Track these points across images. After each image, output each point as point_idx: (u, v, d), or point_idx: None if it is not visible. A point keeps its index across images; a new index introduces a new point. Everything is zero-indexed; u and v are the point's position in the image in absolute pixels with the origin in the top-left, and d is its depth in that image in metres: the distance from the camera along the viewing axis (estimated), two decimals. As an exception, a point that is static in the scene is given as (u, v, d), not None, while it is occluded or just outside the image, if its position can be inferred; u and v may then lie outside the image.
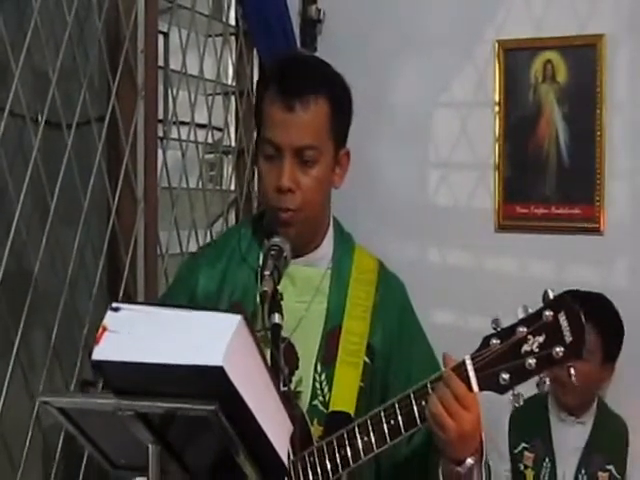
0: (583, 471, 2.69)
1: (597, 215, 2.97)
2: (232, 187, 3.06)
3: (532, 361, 1.51)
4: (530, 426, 2.79)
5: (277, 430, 1.29)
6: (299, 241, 1.73)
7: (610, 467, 2.67)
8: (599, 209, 2.97)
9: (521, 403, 1.56)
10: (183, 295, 1.79)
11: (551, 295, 1.53)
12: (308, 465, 1.66)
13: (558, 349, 1.50)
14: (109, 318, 1.22)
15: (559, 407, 2.77)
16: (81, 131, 2.32)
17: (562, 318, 1.52)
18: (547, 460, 2.73)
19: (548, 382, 1.50)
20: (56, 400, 1.28)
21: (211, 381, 1.15)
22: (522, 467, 2.75)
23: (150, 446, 1.24)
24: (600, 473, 2.68)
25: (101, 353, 1.19)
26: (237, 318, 1.19)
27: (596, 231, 2.96)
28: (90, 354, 1.36)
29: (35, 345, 2.25)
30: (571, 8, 3.00)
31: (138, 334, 1.22)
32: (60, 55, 2.21)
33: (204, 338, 1.18)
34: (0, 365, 2.07)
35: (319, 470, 1.65)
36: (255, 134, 1.94)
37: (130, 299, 2.47)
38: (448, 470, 1.63)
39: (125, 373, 1.20)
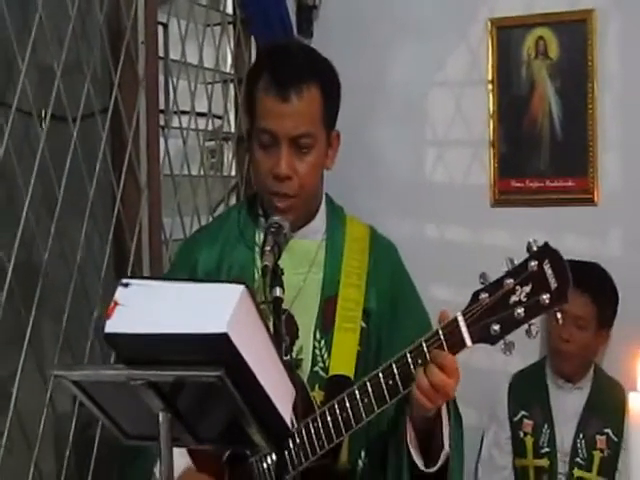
0: (581, 435, 2.76)
1: (591, 187, 2.99)
2: (233, 173, 3.07)
3: (521, 310, 1.55)
4: (528, 394, 2.85)
5: (281, 395, 1.32)
6: (296, 220, 1.78)
7: (608, 430, 2.73)
8: (593, 181, 2.99)
9: (512, 352, 1.60)
10: (183, 274, 1.82)
11: (535, 246, 1.56)
12: (312, 430, 1.69)
13: (545, 296, 1.54)
14: (119, 293, 1.26)
15: (556, 374, 2.85)
16: (85, 123, 2.31)
17: (547, 266, 1.55)
18: (546, 426, 2.79)
19: (536, 329, 1.57)
20: (70, 374, 1.32)
21: (217, 348, 1.18)
22: (522, 434, 2.81)
23: (160, 414, 1.27)
24: (598, 437, 2.74)
25: (113, 326, 1.23)
26: (240, 287, 1.22)
27: (590, 202, 2.99)
28: (100, 335, 1.42)
29: (46, 331, 2.25)
30: None
31: (147, 307, 1.25)
32: (64, 49, 2.20)
33: (209, 308, 1.21)
34: (14, 350, 2.05)
35: (323, 434, 1.69)
36: (247, 122, 1.98)
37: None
38: (417, 413, 1.67)
39: (136, 344, 1.23)
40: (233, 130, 3.07)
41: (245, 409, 1.24)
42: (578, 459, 2.74)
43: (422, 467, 1.71)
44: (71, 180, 2.23)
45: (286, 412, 1.34)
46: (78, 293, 2.28)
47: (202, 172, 2.91)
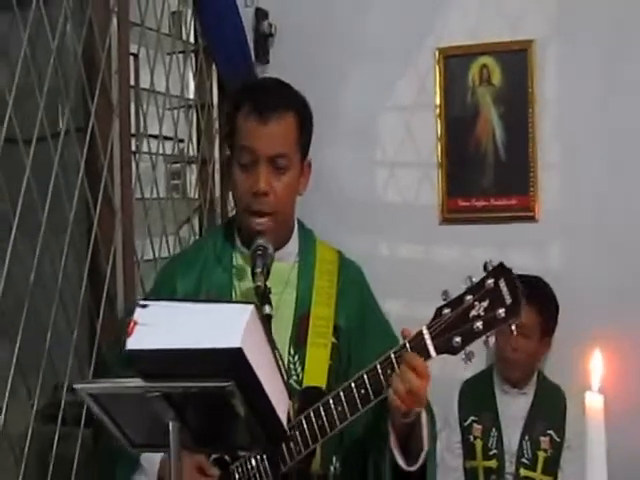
0: (527, 437, 2.79)
1: (532, 204, 3.04)
2: (196, 195, 3.07)
3: (479, 323, 1.63)
4: (477, 400, 2.88)
5: (280, 403, 1.37)
6: (273, 243, 1.84)
7: (551, 432, 2.78)
8: (534, 199, 3.04)
9: (472, 361, 1.67)
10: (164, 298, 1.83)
11: (490, 266, 1.64)
12: (290, 437, 1.73)
13: (500, 310, 1.62)
14: (138, 313, 1.31)
15: (503, 381, 2.89)
16: (62, 147, 2.31)
17: (502, 284, 1.62)
18: (494, 430, 2.81)
19: (493, 339, 1.67)
20: (90, 387, 1.38)
21: (229, 361, 1.24)
22: (472, 438, 2.83)
23: (170, 423, 1.32)
24: (542, 438, 2.79)
25: (134, 343, 1.28)
26: (250, 307, 1.29)
27: (531, 219, 3.04)
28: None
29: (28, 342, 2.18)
30: (503, 16, 3.06)
31: (164, 325, 1.30)
32: (47, 79, 2.22)
33: (222, 325, 1.27)
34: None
35: (300, 440, 1.74)
36: (224, 149, 2.06)
37: (111, 303, 2.48)
38: (396, 421, 1.73)
39: (155, 359, 1.28)
40: (196, 154, 3.07)
41: (250, 416, 1.30)
42: (524, 459, 2.78)
43: (404, 466, 1.76)
44: (51, 201, 2.24)
45: (284, 418, 1.40)
46: (58, 310, 2.26)
47: (167, 195, 2.91)
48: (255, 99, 1.88)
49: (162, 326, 1.31)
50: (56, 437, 2.25)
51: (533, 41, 3.03)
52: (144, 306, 1.33)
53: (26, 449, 2.15)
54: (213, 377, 1.25)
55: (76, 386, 1.38)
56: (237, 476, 1.81)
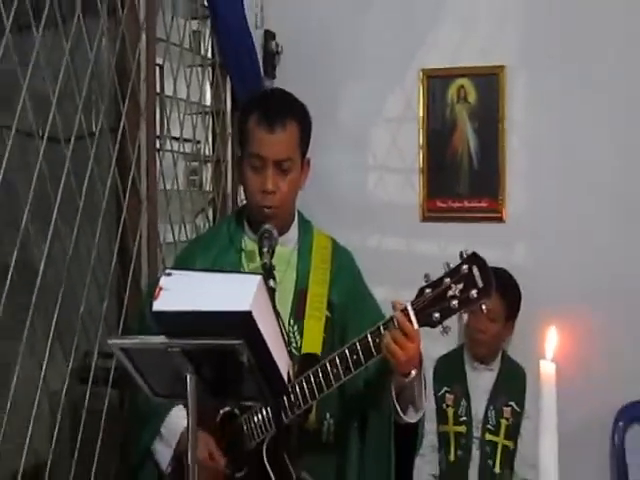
0: (491, 407, 2.80)
1: (500, 207, 3.06)
2: (210, 189, 3.06)
3: (455, 302, 1.65)
4: (450, 374, 2.87)
5: (282, 361, 1.38)
6: (277, 229, 1.84)
7: (512, 403, 2.79)
8: (501, 203, 3.06)
9: (449, 334, 1.69)
10: None
11: (465, 255, 1.66)
12: (292, 394, 1.76)
13: (473, 292, 1.64)
14: (163, 280, 1.31)
15: (472, 358, 2.87)
16: (97, 145, 2.33)
17: (475, 270, 1.64)
18: (464, 400, 2.82)
19: (466, 316, 1.69)
20: (122, 342, 1.39)
21: (240, 322, 1.25)
22: (444, 406, 2.83)
23: (188, 376, 1.32)
24: (505, 408, 2.80)
25: (159, 305, 1.29)
26: (258, 277, 1.31)
27: (499, 220, 3.06)
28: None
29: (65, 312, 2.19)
30: (478, 44, 3.07)
31: (185, 291, 1.31)
32: (85, 86, 2.22)
33: (234, 291, 1.28)
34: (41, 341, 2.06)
35: (300, 397, 1.76)
36: (236, 149, 2.00)
37: (137, 279, 2.48)
38: (398, 382, 1.76)
39: (176, 319, 1.29)
40: (210, 153, 3.07)
41: (257, 371, 1.31)
42: (489, 426, 2.80)
43: (406, 419, 1.81)
44: (86, 193, 2.24)
45: (285, 375, 1.40)
46: (91, 286, 2.27)
47: (186, 188, 2.91)
48: (263, 109, 1.89)
49: (183, 291, 1.31)
50: (87, 395, 2.24)
51: (503, 67, 3.04)
52: (169, 274, 1.33)
53: (61, 403, 2.15)
54: (226, 336, 1.26)
55: (110, 341, 1.38)
56: (245, 427, 1.83)
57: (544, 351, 1.44)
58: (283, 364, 1.40)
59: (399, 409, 1.80)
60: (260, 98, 2.01)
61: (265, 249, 1.75)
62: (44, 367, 2.07)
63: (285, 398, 1.75)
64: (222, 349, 1.29)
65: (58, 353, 2.19)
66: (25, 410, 2.02)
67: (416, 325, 1.68)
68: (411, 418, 1.83)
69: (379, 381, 1.84)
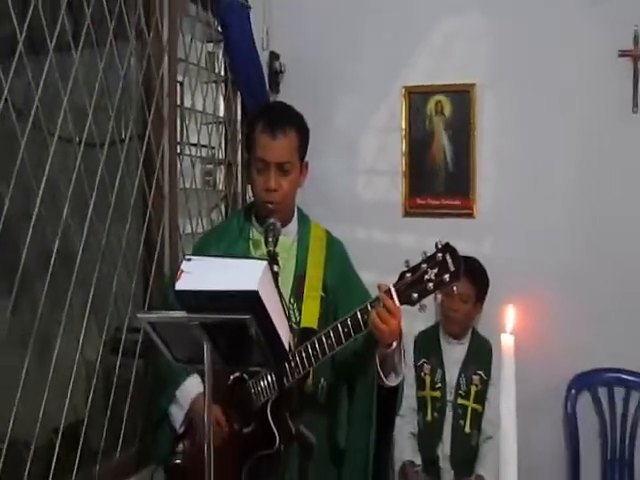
0: (463, 375, 2.82)
1: (471, 205, 3.06)
2: (223, 188, 3.05)
3: (431, 284, 1.67)
4: (427, 347, 2.89)
5: (284, 334, 1.40)
6: (279, 222, 1.86)
7: (480, 372, 2.81)
8: (472, 201, 3.06)
9: (426, 312, 1.72)
10: None
11: (440, 244, 1.68)
12: (292, 362, 1.77)
13: (446, 275, 1.66)
14: (184, 264, 1.33)
15: (446, 334, 2.88)
16: (126, 149, 2.32)
17: (448, 257, 1.67)
18: (439, 369, 2.84)
19: (440, 297, 1.69)
20: (149, 316, 1.42)
21: (249, 300, 1.27)
22: (422, 374, 2.85)
23: (205, 344, 1.35)
24: (474, 376, 2.81)
25: (180, 285, 1.32)
26: (264, 262, 1.34)
27: (470, 216, 3.06)
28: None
29: (99, 293, 2.20)
30: (453, 65, 3.06)
31: (202, 273, 1.33)
32: (116, 99, 2.22)
33: (244, 273, 1.30)
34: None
35: (299, 364, 1.77)
36: (245, 154, 2.04)
37: (160, 264, 2.46)
38: (381, 352, 1.79)
39: (195, 297, 1.30)
40: (223, 157, 3.05)
41: (263, 341, 1.33)
42: (460, 391, 2.81)
43: (388, 382, 1.83)
44: (117, 189, 2.25)
45: (287, 344, 1.42)
46: (122, 271, 2.27)
47: (202, 187, 2.90)
48: (266, 119, 1.90)
49: (201, 274, 1.33)
50: (118, 364, 2.26)
51: (474, 85, 3.04)
52: (189, 260, 1.35)
53: (96, 371, 2.18)
54: (237, 311, 1.28)
55: (139, 315, 1.40)
56: (252, 390, 1.84)
57: (504, 326, 1.41)
58: (285, 336, 1.42)
59: (382, 375, 1.81)
60: (264, 110, 2.02)
61: (270, 239, 1.76)
62: (81, 340, 2.08)
63: (286, 365, 1.75)
64: (233, 323, 1.30)
65: (93, 328, 2.19)
66: (65, 376, 2.03)
67: (398, 303, 1.69)
68: (392, 382, 1.85)
69: (366, 351, 1.84)
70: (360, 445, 1.88)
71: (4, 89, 1.73)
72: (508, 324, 1.42)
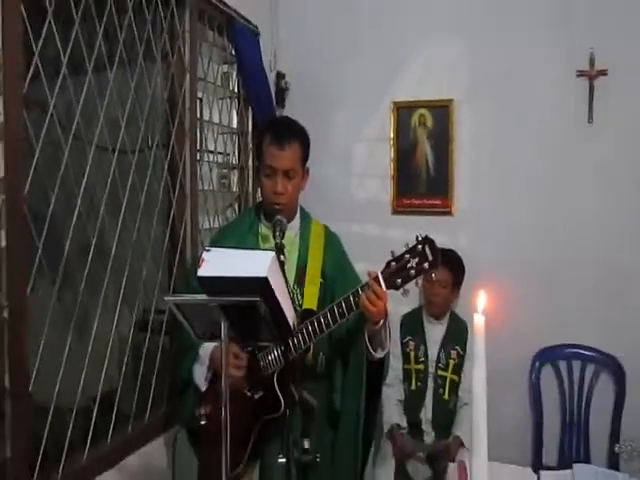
0: (442, 350, 2.83)
1: (449, 204, 3.05)
2: (236, 189, 3.03)
3: (412, 272, 1.66)
4: (412, 327, 2.89)
5: (289, 314, 1.42)
6: (284, 219, 1.84)
7: (457, 348, 2.82)
8: (451, 201, 3.05)
9: (408, 296, 1.69)
10: None
11: (420, 237, 1.67)
12: (295, 338, 1.77)
13: (426, 264, 1.65)
14: (205, 254, 1.34)
15: (428, 315, 2.89)
16: (154, 156, 2.32)
17: (427, 248, 1.66)
18: (422, 346, 2.85)
19: (420, 282, 1.65)
20: (175, 299, 1.42)
21: (259, 285, 1.29)
22: (408, 350, 2.86)
23: (223, 323, 1.37)
24: (452, 351, 2.82)
25: (202, 272, 1.32)
26: (272, 253, 1.34)
27: (449, 214, 3.05)
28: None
29: (131, 279, 2.20)
30: (434, 83, 3.05)
31: (220, 262, 1.33)
32: (145, 111, 2.23)
33: (255, 262, 1.32)
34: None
35: (301, 340, 1.77)
36: (255, 161, 2.04)
37: (183, 254, 2.45)
38: (370, 329, 1.79)
39: (214, 282, 1.31)
40: (236, 163, 3.02)
41: (271, 320, 1.35)
42: (440, 364, 2.81)
43: (376, 355, 1.83)
44: (146, 190, 2.25)
45: (291, 323, 1.43)
46: (149, 262, 2.27)
47: (218, 188, 2.86)
48: (274, 132, 1.89)
49: (219, 262, 1.33)
50: (146, 340, 2.27)
51: (452, 100, 3.03)
52: (208, 251, 1.36)
53: (128, 346, 2.18)
54: (249, 294, 1.29)
55: (166, 298, 1.41)
56: (261, 363, 1.83)
57: (476, 307, 1.41)
58: (290, 316, 1.43)
59: (371, 349, 1.82)
60: (272, 124, 2.00)
61: (277, 233, 1.76)
62: (115, 320, 2.10)
63: (291, 340, 1.76)
64: (246, 304, 1.31)
65: (125, 310, 2.18)
66: (102, 351, 2.04)
67: (384, 288, 1.69)
68: (380, 355, 1.85)
69: (357, 329, 1.85)
70: (353, 408, 1.88)
71: (50, 105, 1.74)
72: (480, 306, 1.43)
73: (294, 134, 1.90)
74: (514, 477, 1.85)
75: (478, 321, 1.42)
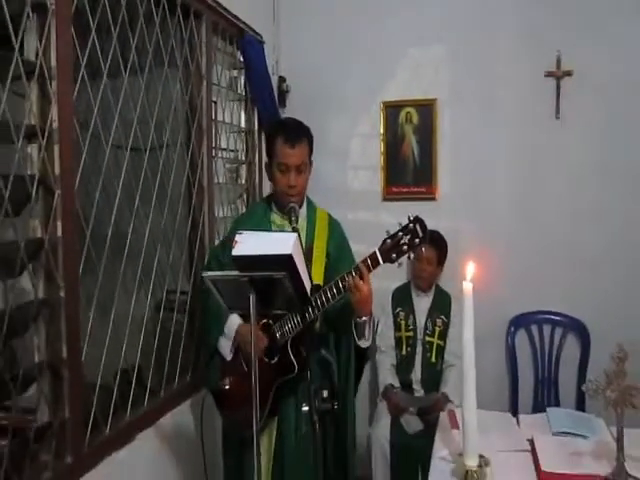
0: (429, 319, 2.88)
1: (433, 192, 3.09)
2: (244, 182, 3.02)
3: (405, 247, 1.68)
4: (402, 299, 2.94)
5: (307, 287, 1.48)
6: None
7: (442, 317, 2.88)
8: (434, 188, 3.09)
9: (401, 266, 1.70)
10: (232, 241, 1.73)
11: (412, 217, 1.70)
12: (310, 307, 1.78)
13: (416, 240, 1.68)
14: (237, 237, 1.41)
15: (416, 288, 2.94)
16: (177, 153, 2.33)
17: (417, 226, 1.69)
18: (411, 315, 2.90)
19: (412, 255, 1.67)
20: (209, 275, 1.48)
21: (285, 261, 1.37)
22: (399, 320, 2.91)
23: (251, 296, 1.43)
24: (437, 320, 2.88)
25: (235, 252, 1.40)
26: (294, 234, 1.43)
27: (433, 199, 3.09)
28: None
29: (162, 267, 2.19)
30: (420, 84, 3.09)
31: (251, 242, 1.41)
32: (170, 114, 2.24)
33: (280, 242, 1.39)
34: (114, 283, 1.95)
35: (311, 311, 1.78)
36: (266, 158, 1.95)
37: (202, 240, 2.45)
38: (355, 320, 1.83)
39: (245, 260, 1.39)
40: (244, 158, 3.02)
41: (293, 292, 1.42)
42: (427, 331, 2.86)
43: (360, 344, 1.85)
44: (172, 186, 2.26)
45: (308, 293, 1.50)
46: (173, 247, 2.26)
47: (230, 181, 2.87)
48: (286, 133, 1.92)
49: (249, 243, 1.41)
50: (174, 318, 2.26)
51: (436, 99, 3.07)
52: (240, 234, 1.42)
53: (159, 322, 2.20)
54: (276, 270, 1.36)
55: (204, 274, 1.46)
56: (278, 334, 1.85)
57: (465, 276, 1.51)
58: (308, 287, 1.49)
59: (356, 337, 1.87)
60: (281, 125, 2.01)
61: (293, 218, 1.83)
62: (148, 300, 2.11)
63: (307, 310, 1.78)
64: (273, 278, 1.38)
65: (157, 290, 2.19)
66: (135, 328, 2.03)
67: (381, 261, 1.70)
68: (363, 345, 1.88)
69: (349, 309, 1.85)
70: (346, 365, 1.94)
71: (94, 110, 1.75)
72: (468, 275, 1.51)
73: (303, 134, 1.94)
74: (496, 420, 1.94)
75: (467, 287, 1.51)
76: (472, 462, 1.54)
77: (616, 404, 1.46)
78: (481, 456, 1.56)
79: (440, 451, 1.75)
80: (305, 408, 1.50)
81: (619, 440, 1.49)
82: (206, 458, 1.91)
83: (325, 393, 1.52)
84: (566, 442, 1.76)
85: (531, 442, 1.78)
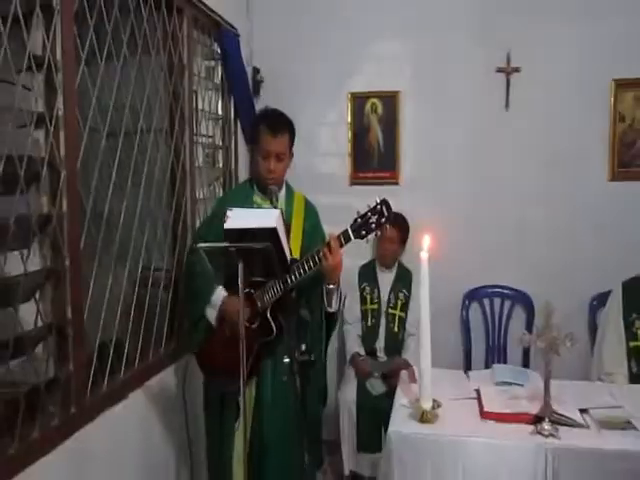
0: (392, 293, 3.04)
1: (397, 176, 3.24)
2: (220, 166, 3.05)
3: (373, 225, 1.80)
4: (367, 275, 3.08)
5: (288, 256, 1.63)
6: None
7: (404, 291, 3.05)
8: (397, 173, 3.24)
9: (369, 242, 1.82)
10: (219, 219, 1.70)
11: (379, 199, 1.80)
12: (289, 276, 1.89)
13: (382, 219, 1.80)
14: (229, 212, 1.54)
15: (380, 265, 3.09)
16: (162, 138, 2.36)
17: (384, 208, 1.80)
18: (375, 290, 3.05)
19: (379, 233, 1.79)
20: (202, 246, 1.64)
21: (269, 233, 1.51)
22: (364, 294, 3.05)
23: (240, 265, 1.55)
24: (399, 294, 3.04)
25: (227, 225, 1.54)
26: (278, 210, 1.58)
27: (396, 184, 3.24)
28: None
29: (148, 246, 2.20)
30: (385, 77, 3.21)
31: (240, 217, 1.54)
32: (157, 103, 2.28)
33: (265, 217, 1.54)
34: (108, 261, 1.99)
35: (292, 278, 1.90)
36: (236, 141, 2.05)
37: (184, 221, 2.52)
38: (326, 286, 1.94)
39: (235, 232, 1.52)
40: (220, 143, 3.06)
41: (277, 261, 1.56)
42: (390, 304, 3.01)
43: (329, 309, 1.98)
44: (158, 167, 2.28)
45: (288, 261, 1.64)
46: (158, 227, 2.28)
47: (207, 165, 2.89)
48: (269, 122, 2.02)
49: (238, 218, 1.55)
50: (159, 294, 2.35)
51: (399, 92, 3.21)
52: (231, 210, 1.56)
53: (147, 297, 2.25)
54: (261, 241, 1.49)
55: (199, 245, 1.63)
56: (258, 302, 1.95)
57: (422, 247, 1.74)
58: (288, 258, 1.65)
59: (325, 302, 1.99)
60: (266, 115, 2.10)
61: (273, 199, 1.97)
62: (138, 276, 2.19)
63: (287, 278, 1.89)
64: (259, 249, 1.51)
65: (133, 269, 2.20)
66: (128, 298, 2.06)
67: (352, 238, 1.82)
68: (330, 310, 2.01)
69: (320, 281, 1.97)
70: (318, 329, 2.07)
71: (92, 99, 1.83)
72: (425, 245, 1.73)
73: (285, 124, 2.04)
74: (449, 375, 2.19)
75: (423, 256, 1.74)
76: (427, 405, 1.81)
77: (545, 352, 1.72)
78: (434, 400, 1.84)
79: (401, 399, 2.01)
80: (286, 360, 1.67)
81: (546, 382, 1.76)
82: (188, 413, 2.12)
83: (303, 347, 1.70)
84: (506, 390, 2.02)
85: (477, 391, 2.04)
